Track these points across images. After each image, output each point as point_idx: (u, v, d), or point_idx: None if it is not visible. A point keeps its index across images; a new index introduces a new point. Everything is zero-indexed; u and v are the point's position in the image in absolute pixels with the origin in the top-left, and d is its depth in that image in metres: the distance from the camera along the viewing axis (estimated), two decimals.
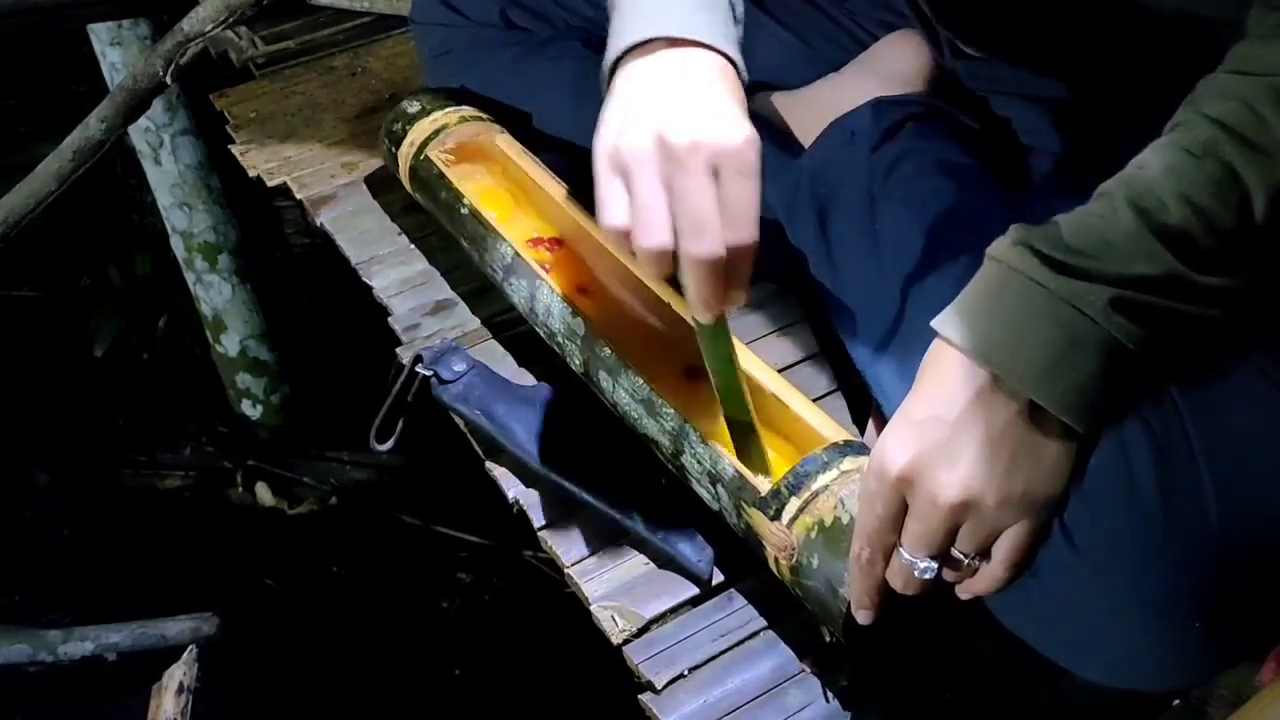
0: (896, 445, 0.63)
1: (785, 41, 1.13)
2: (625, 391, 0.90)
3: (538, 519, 0.93)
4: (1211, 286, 0.58)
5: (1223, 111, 0.60)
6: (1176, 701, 0.83)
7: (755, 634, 0.85)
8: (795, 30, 1.12)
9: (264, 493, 2.10)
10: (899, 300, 0.86)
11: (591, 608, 0.86)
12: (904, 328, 0.84)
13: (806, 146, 1.02)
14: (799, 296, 1.07)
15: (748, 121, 0.72)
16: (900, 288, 0.86)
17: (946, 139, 0.94)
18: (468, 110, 1.13)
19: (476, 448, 0.98)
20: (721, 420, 0.87)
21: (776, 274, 1.09)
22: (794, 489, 0.78)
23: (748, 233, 0.71)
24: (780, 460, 0.88)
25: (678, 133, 0.69)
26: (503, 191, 1.09)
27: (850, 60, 1.10)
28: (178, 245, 2.02)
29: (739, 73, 0.76)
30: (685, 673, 0.83)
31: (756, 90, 1.15)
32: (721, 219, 0.70)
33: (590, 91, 1.12)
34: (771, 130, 1.09)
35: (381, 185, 1.25)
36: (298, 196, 1.27)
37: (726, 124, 0.71)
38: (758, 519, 0.80)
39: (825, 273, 0.95)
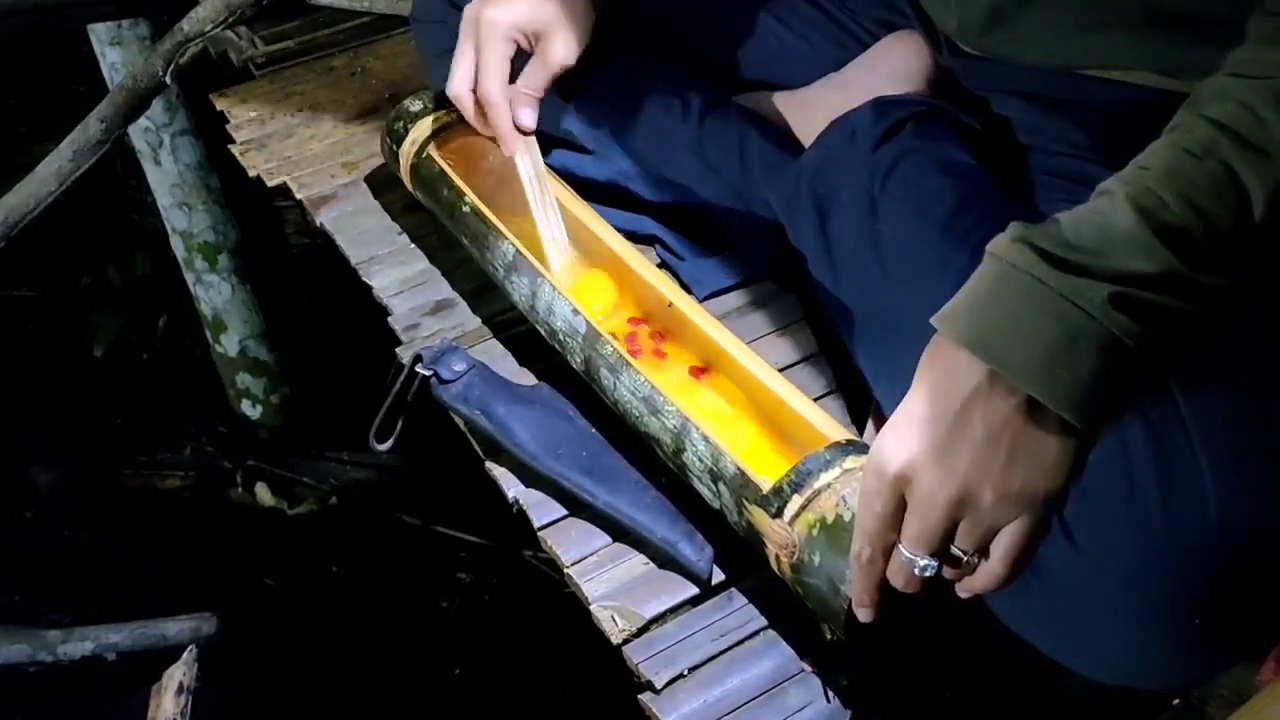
0: (895, 442, 0.63)
1: (786, 41, 1.13)
2: (626, 389, 0.90)
3: (538, 519, 0.93)
4: (1210, 285, 0.59)
5: (1222, 113, 0.60)
6: (1176, 701, 0.83)
7: (755, 634, 0.85)
8: (796, 30, 1.13)
9: (264, 493, 2.10)
10: (898, 299, 0.86)
11: (591, 608, 0.86)
12: (903, 327, 0.84)
13: (806, 146, 1.02)
14: (799, 296, 1.07)
15: (505, 8, 1.00)
16: (899, 287, 0.86)
17: (947, 139, 0.94)
18: None
19: (476, 448, 0.98)
20: (725, 418, 0.87)
21: (776, 274, 1.09)
22: (796, 486, 0.78)
23: (480, 87, 1.02)
24: (781, 459, 0.88)
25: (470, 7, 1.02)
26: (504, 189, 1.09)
27: (851, 60, 1.10)
28: (178, 245, 2.02)
29: None
30: (685, 672, 0.83)
31: (757, 90, 1.15)
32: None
33: (591, 90, 1.13)
34: (772, 130, 1.09)
35: (381, 185, 1.25)
36: (298, 196, 1.27)
37: (487, 6, 1.00)
38: (759, 516, 0.80)
39: (825, 272, 0.95)
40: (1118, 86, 0.84)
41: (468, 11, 1.03)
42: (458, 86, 1.04)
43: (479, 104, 1.04)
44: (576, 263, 1.06)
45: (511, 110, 1.03)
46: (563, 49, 1.02)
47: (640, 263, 1.01)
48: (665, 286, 0.99)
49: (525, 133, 1.04)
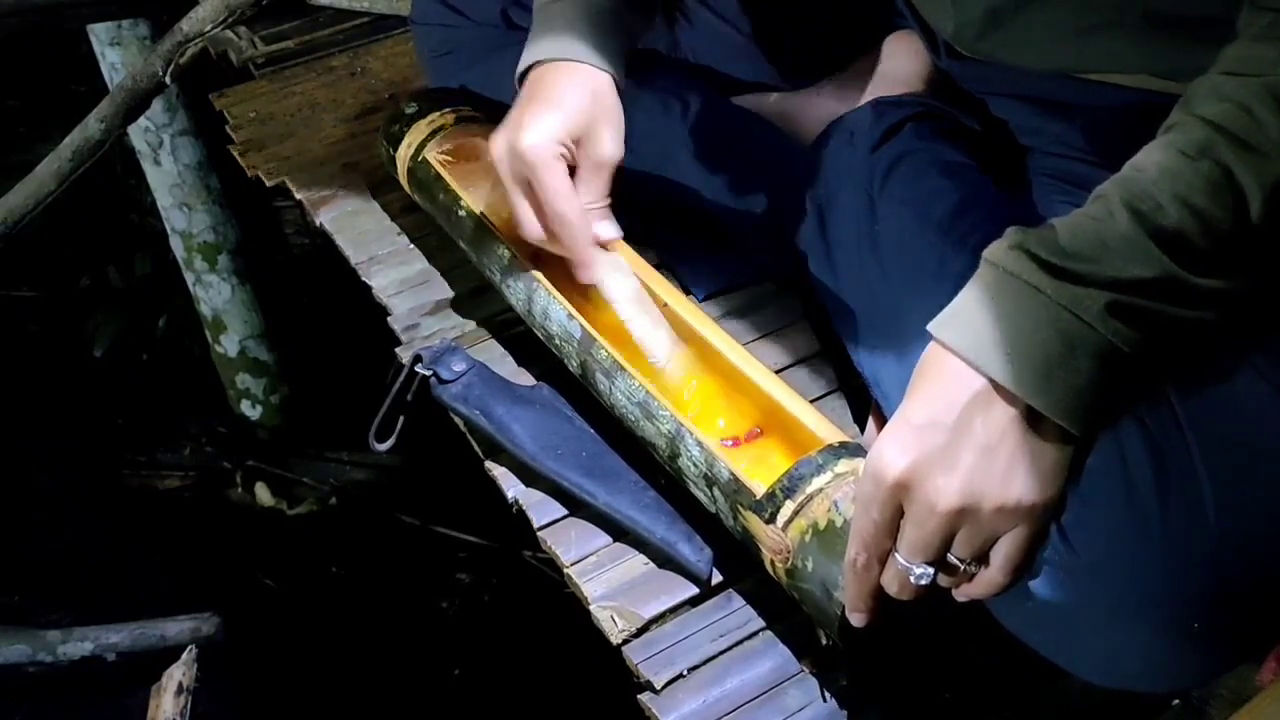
0: (893, 450, 0.62)
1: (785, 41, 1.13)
2: (622, 394, 0.90)
3: (538, 519, 0.93)
4: (1208, 289, 0.58)
5: (1217, 112, 0.60)
6: (1176, 701, 0.83)
7: (754, 634, 0.85)
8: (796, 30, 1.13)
9: (264, 493, 2.10)
10: (898, 300, 0.86)
11: (591, 608, 0.86)
12: (903, 328, 0.84)
13: (806, 146, 1.02)
14: (799, 296, 1.07)
15: (541, 125, 0.90)
16: (899, 288, 0.86)
17: (945, 140, 0.94)
18: (465, 110, 1.13)
19: (476, 448, 0.98)
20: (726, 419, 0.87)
21: (776, 274, 1.09)
22: (789, 492, 0.78)
23: (553, 211, 0.91)
24: (777, 461, 0.88)
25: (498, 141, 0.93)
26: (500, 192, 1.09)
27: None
28: (177, 245, 2.02)
29: (610, 75, 0.93)
30: (684, 673, 0.82)
31: (757, 90, 1.15)
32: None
33: None
34: (771, 130, 1.09)
35: (381, 185, 1.25)
36: (298, 196, 1.27)
37: (519, 132, 0.90)
38: (753, 522, 0.80)
39: (825, 273, 0.95)
40: (1115, 89, 0.83)
41: (497, 149, 0.93)
42: (530, 229, 0.94)
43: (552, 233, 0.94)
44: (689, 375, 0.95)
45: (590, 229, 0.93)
46: (609, 144, 0.93)
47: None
48: (664, 287, 0.99)
49: (608, 246, 0.95)
